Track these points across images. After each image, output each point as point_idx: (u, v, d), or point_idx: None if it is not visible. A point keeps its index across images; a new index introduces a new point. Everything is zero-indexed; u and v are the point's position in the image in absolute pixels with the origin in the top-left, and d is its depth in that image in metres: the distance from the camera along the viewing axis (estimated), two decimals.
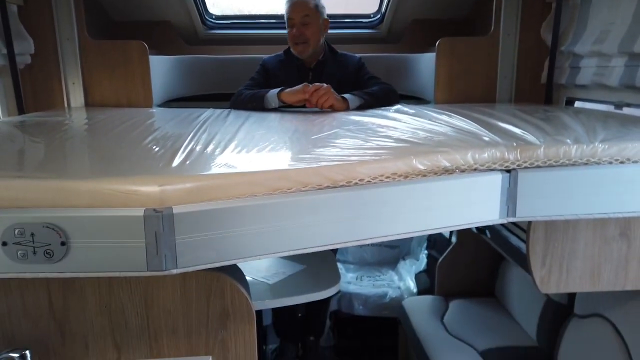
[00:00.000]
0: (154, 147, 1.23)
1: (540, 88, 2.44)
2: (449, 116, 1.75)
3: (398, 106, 2.21)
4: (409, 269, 3.05)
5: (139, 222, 0.86)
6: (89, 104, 2.41)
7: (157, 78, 2.60)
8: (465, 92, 2.51)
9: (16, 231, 0.84)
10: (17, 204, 0.88)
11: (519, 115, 1.76)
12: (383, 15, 3.23)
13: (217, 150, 1.19)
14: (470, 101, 2.48)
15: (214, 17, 3.25)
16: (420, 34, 3.23)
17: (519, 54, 2.48)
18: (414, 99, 3.01)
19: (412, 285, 2.91)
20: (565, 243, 1.39)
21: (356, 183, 1.03)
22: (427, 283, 2.87)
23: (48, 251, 0.86)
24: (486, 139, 1.26)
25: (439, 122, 1.59)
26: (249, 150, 1.22)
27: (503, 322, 2.25)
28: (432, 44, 3.13)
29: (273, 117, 2.06)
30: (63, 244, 0.86)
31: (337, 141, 1.29)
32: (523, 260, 1.68)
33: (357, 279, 3.11)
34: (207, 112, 2.08)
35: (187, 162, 1.05)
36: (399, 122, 1.63)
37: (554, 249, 1.39)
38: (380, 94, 2.31)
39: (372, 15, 3.32)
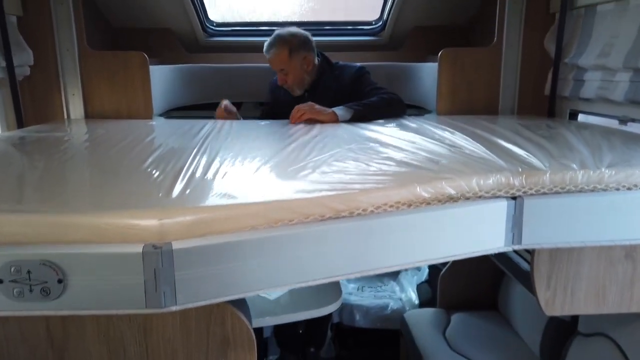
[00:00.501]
0: (154, 171, 1.22)
1: (543, 99, 2.42)
2: (452, 133, 1.73)
3: (400, 120, 2.19)
4: (410, 280, 3.03)
5: (138, 259, 0.84)
6: (88, 115, 2.39)
7: (158, 87, 2.58)
8: (468, 103, 2.49)
9: (12, 269, 0.83)
10: (13, 239, 0.86)
11: (522, 132, 1.74)
12: (385, 23, 3.21)
13: (218, 176, 1.17)
14: (473, 112, 2.46)
15: (214, 24, 3.23)
16: (421, 40, 3.21)
17: (522, 65, 2.45)
18: (416, 108, 2.99)
19: (413, 296, 2.89)
20: (570, 265, 1.37)
21: (359, 213, 1.01)
22: (428, 294, 2.85)
23: (45, 289, 0.84)
24: (491, 163, 1.24)
25: (442, 141, 1.57)
26: (250, 175, 1.21)
27: (506, 337, 2.23)
28: (434, 50, 3.11)
29: (274, 131, 2.04)
30: (60, 281, 0.84)
31: (339, 164, 1.28)
32: (526, 279, 1.67)
33: (358, 289, 3.09)
34: (208, 126, 2.06)
35: (187, 192, 1.04)
36: (401, 141, 1.61)
37: (559, 271, 1.37)
38: (379, 104, 2.28)
39: (373, 23, 3.30)
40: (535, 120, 2.15)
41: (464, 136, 1.65)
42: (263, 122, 2.42)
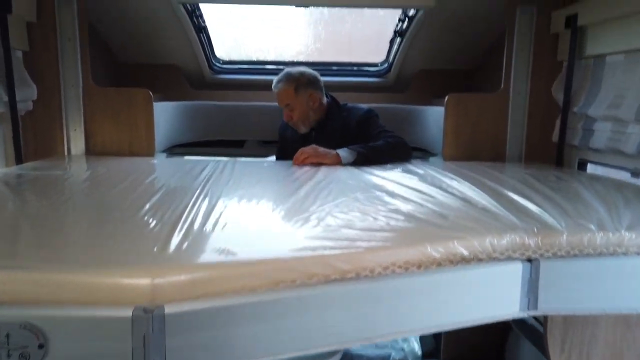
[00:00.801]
0: (151, 219, 1.16)
1: (550, 147, 2.39)
2: (459, 182, 1.68)
3: (406, 165, 2.15)
4: None
5: (126, 324, 0.78)
6: (90, 151, 2.36)
7: (161, 124, 2.56)
8: (474, 148, 2.45)
9: None
10: None
11: (532, 183, 1.69)
12: (390, 65, 3.22)
13: (217, 227, 1.12)
14: (479, 158, 2.42)
15: (221, 61, 3.24)
16: (427, 83, 3.22)
17: (529, 112, 2.43)
18: (421, 150, 2.96)
19: (416, 346, 2.77)
20: (585, 327, 1.30)
21: (366, 275, 0.95)
22: (432, 344, 2.74)
23: (24, 354, 0.77)
24: (504, 220, 1.18)
25: (450, 191, 1.52)
26: (251, 227, 1.15)
27: None
28: (439, 93, 3.11)
29: (277, 174, 2.00)
30: (41, 346, 0.77)
31: (344, 216, 1.22)
32: (539, 340, 1.59)
33: None
34: (210, 166, 2.02)
35: (184, 246, 0.98)
36: (408, 190, 1.56)
37: (574, 335, 1.30)
38: (384, 148, 2.24)
39: (379, 64, 3.31)
40: (544, 170, 2.10)
41: (472, 186, 1.60)
42: (266, 163, 2.40)
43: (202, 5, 2.77)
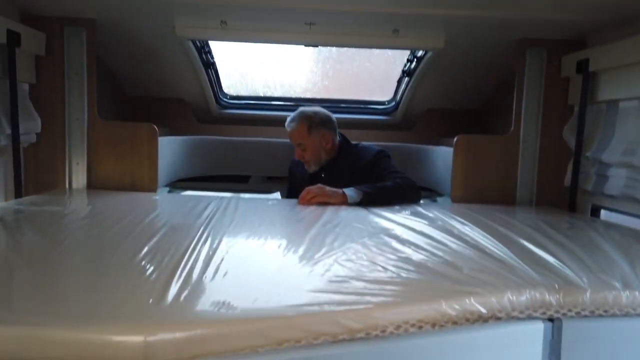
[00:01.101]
0: (148, 265, 1.10)
1: (562, 191, 2.33)
2: (471, 228, 1.62)
3: (415, 207, 2.09)
4: None
5: None
6: (91, 185, 2.31)
7: (165, 158, 2.53)
8: (483, 191, 2.39)
9: None
10: None
11: (546, 230, 1.63)
12: (398, 103, 3.21)
13: (218, 275, 1.06)
14: (488, 201, 2.36)
15: (228, 97, 3.24)
16: (434, 122, 3.20)
17: (540, 155, 2.38)
18: (427, 190, 2.91)
19: None
20: None
21: (377, 334, 0.88)
22: None
23: None
24: (522, 274, 1.11)
25: (463, 239, 1.46)
26: (253, 276, 1.09)
27: None
28: (446, 132, 3.08)
29: (282, 214, 1.94)
30: None
31: (352, 265, 1.16)
32: None
33: None
34: (213, 204, 1.97)
35: (182, 298, 0.91)
36: (418, 236, 1.49)
37: None
38: (392, 189, 2.19)
39: (386, 102, 3.30)
40: (556, 215, 2.04)
41: (484, 233, 1.54)
42: (270, 201, 2.34)
43: (211, 42, 2.78)
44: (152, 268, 1.08)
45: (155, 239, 1.35)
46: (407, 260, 1.22)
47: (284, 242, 1.43)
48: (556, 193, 2.37)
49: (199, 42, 2.67)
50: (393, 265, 1.16)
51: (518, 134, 2.38)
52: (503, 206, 2.27)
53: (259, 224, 1.67)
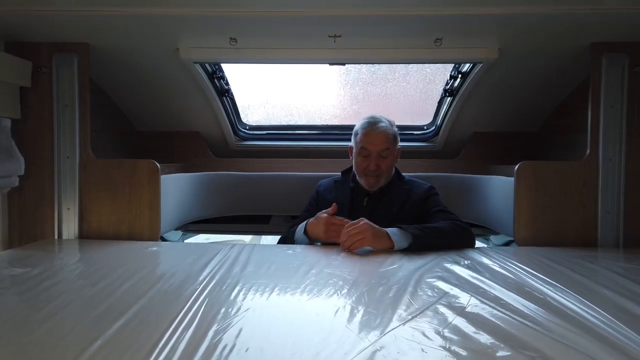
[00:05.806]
0: None
1: None
2: (562, 291, 1.17)
3: (470, 253, 1.65)
4: None
5: None
6: (83, 234, 1.98)
7: (176, 198, 2.19)
8: (555, 231, 1.93)
9: None
10: None
11: None
12: (439, 128, 2.78)
13: None
14: (562, 243, 1.90)
15: (247, 127, 2.89)
16: (482, 148, 2.76)
17: (627, 183, 1.91)
18: (478, 227, 2.46)
19: None
20: None
21: None
22: None
23: None
24: None
25: (562, 315, 1.01)
26: None
27: None
28: (498, 160, 2.64)
29: (304, 271, 1.51)
30: None
31: None
32: None
33: None
34: (219, 256, 1.59)
35: None
36: (493, 309, 1.06)
37: None
38: (447, 232, 1.76)
39: (425, 127, 2.88)
40: None
41: (585, 301, 1.09)
42: (291, 250, 1.89)
43: (224, 66, 2.46)
44: None
45: (121, 321, 0.96)
46: (486, 355, 0.79)
47: (302, 330, 1.01)
48: None
49: (210, 66, 2.35)
50: None
51: (597, 158, 1.92)
52: (583, 250, 1.80)
53: (270, 291, 1.23)
